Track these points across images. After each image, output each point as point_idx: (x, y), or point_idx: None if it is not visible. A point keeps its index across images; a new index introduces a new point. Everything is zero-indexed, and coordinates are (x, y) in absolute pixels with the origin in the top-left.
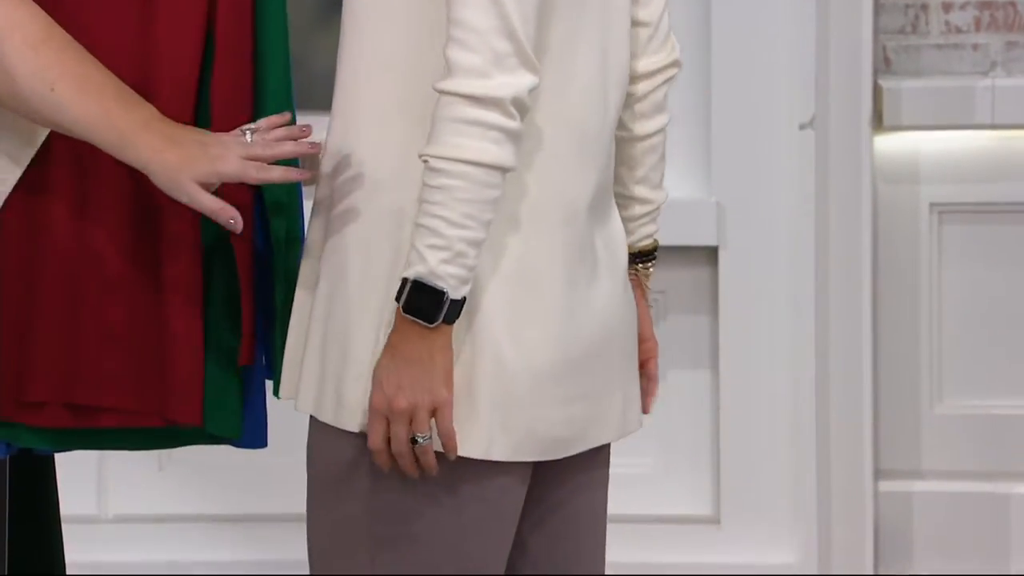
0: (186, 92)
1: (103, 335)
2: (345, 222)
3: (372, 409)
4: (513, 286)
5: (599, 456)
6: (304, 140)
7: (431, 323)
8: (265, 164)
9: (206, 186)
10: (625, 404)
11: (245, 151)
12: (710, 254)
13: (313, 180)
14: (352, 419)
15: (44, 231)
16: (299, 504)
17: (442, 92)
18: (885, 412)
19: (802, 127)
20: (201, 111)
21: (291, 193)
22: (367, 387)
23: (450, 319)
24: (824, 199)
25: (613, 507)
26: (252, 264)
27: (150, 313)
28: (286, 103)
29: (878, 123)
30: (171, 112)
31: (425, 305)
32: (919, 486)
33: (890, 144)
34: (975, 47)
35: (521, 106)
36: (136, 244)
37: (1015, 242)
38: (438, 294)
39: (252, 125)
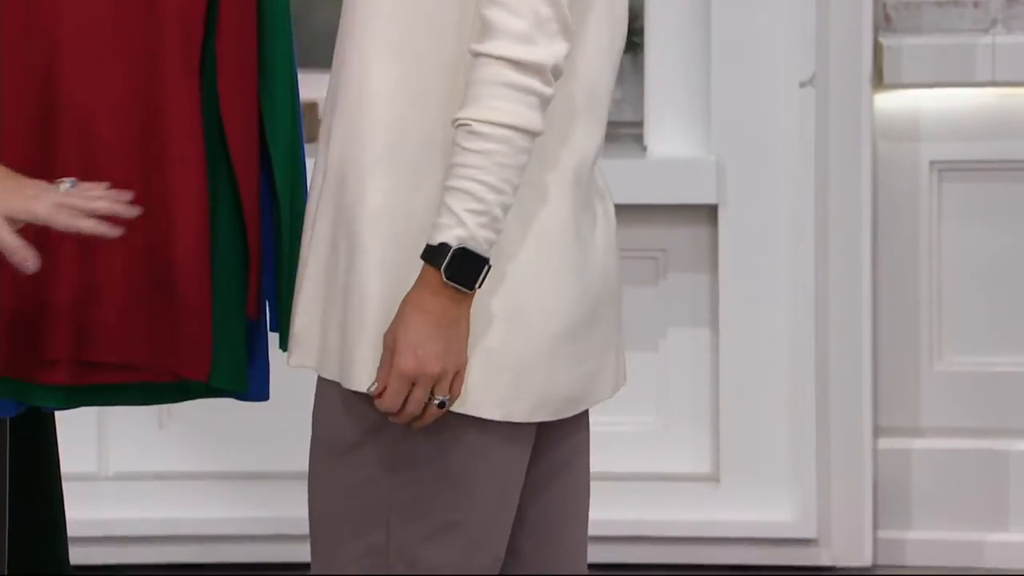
0: (192, 48)
1: (115, 292)
2: (358, 182)
3: (400, 373)
4: (533, 248)
5: (585, 417)
6: (120, 201)
7: (470, 289)
8: (77, 212)
9: (13, 222)
10: (618, 359)
11: (61, 199)
12: (710, 212)
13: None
14: (359, 380)
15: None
16: (299, 462)
17: (483, 55)
18: (884, 370)
19: (802, 85)
20: (207, 73)
21: (295, 145)
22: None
23: (481, 284)
24: (824, 157)
25: (613, 465)
26: (259, 217)
27: (160, 269)
28: (288, 61)
29: (878, 81)
30: (177, 69)
31: (467, 271)
32: (918, 443)
33: (890, 102)
34: (976, 4)
35: (558, 73)
36: (144, 200)
37: (1015, 200)
38: (480, 261)
39: (71, 180)
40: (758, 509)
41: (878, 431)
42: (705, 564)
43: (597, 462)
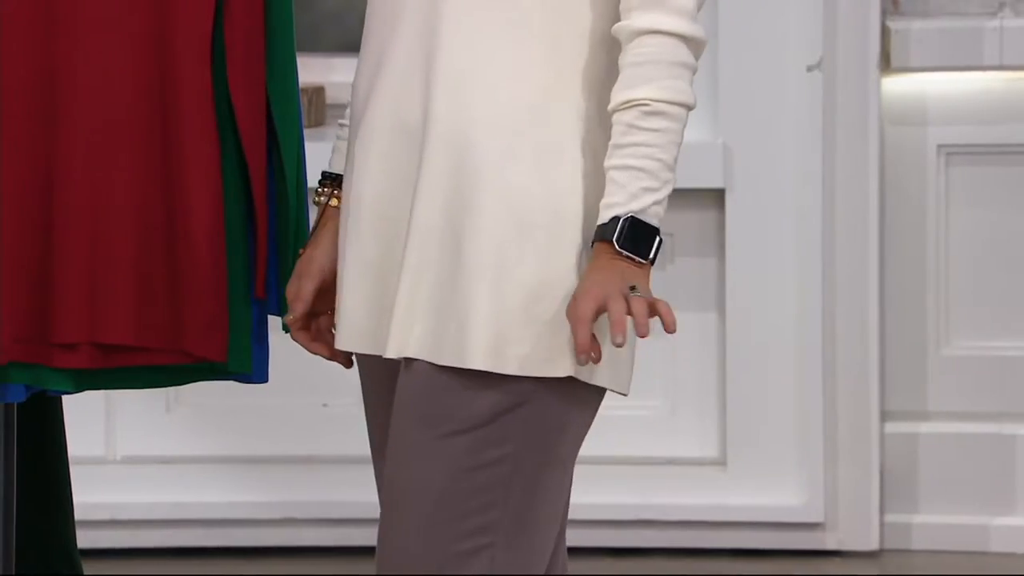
0: (202, 40)
1: (130, 274)
2: (503, 162)
3: (584, 314)
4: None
5: None
6: None
7: (644, 258)
8: None
9: None
10: None
11: None
12: (717, 196)
13: None
14: (532, 365)
15: (61, 177)
16: (306, 446)
17: (654, 31)
18: (891, 354)
19: (810, 69)
20: (217, 63)
21: (301, 130)
22: (546, 329)
23: (655, 258)
24: (831, 141)
25: (619, 449)
26: (267, 196)
27: (176, 251)
28: (291, 46)
29: (886, 64)
30: (191, 57)
31: (639, 241)
32: (925, 428)
33: (898, 86)
34: None
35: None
36: (159, 185)
37: (1022, 184)
38: (653, 231)
39: None
40: (765, 493)
41: (885, 415)
42: (712, 548)
43: (604, 446)
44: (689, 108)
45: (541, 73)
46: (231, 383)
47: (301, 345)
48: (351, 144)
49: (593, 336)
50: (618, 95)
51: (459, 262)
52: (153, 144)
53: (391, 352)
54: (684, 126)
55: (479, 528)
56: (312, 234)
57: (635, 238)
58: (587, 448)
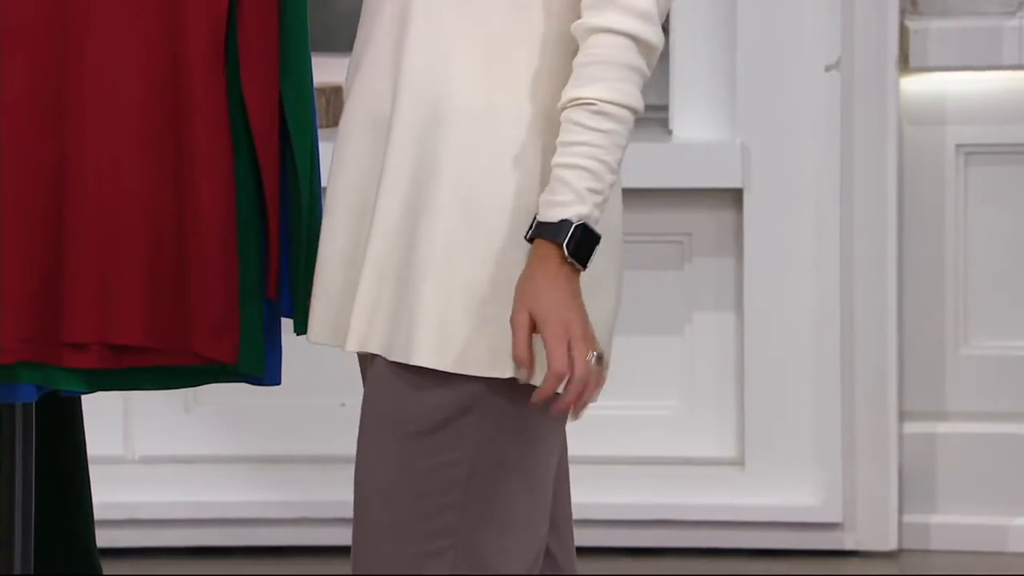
0: (215, 39)
1: (141, 275)
2: (460, 160)
3: (554, 335)
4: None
5: None
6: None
7: (584, 267)
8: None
9: None
10: None
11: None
12: (735, 196)
13: None
14: (477, 364)
15: (72, 176)
16: (324, 446)
17: (606, 30)
18: (910, 353)
19: (828, 68)
20: (230, 63)
21: (314, 130)
22: (493, 330)
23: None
24: (850, 141)
25: (637, 449)
26: (279, 197)
27: (187, 252)
28: (305, 46)
29: (904, 64)
30: (204, 57)
31: (584, 248)
32: (944, 428)
33: (916, 85)
34: None
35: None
36: (172, 186)
37: None
38: (595, 238)
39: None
40: (783, 493)
41: (903, 415)
42: (729, 548)
43: (621, 446)
44: (635, 112)
45: (500, 71)
46: (242, 383)
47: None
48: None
49: (531, 345)
50: (568, 92)
51: (412, 257)
52: (164, 143)
53: (350, 345)
54: (629, 130)
55: (439, 530)
56: None
57: (582, 245)
58: (604, 448)
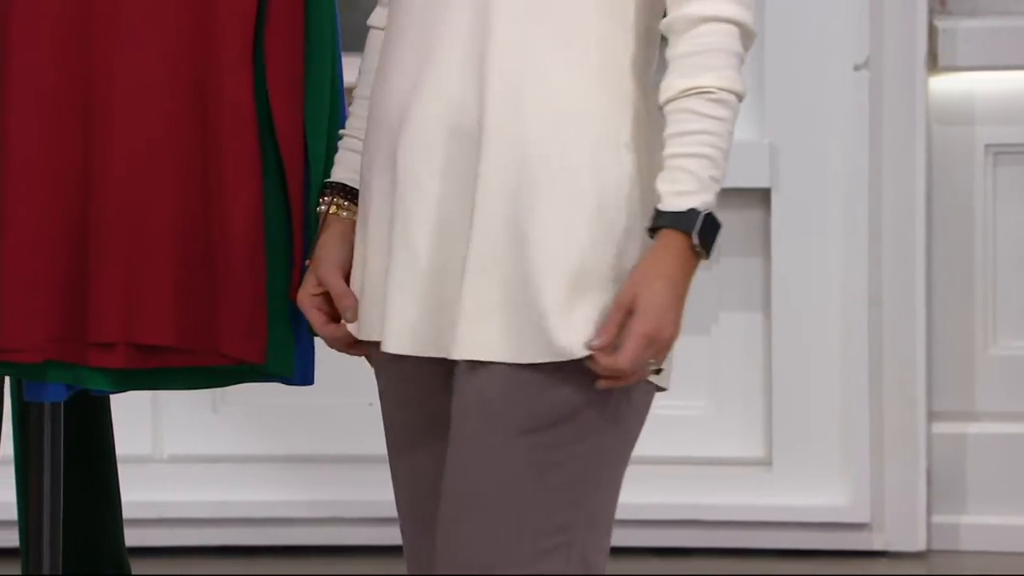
0: (244, 41)
1: (169, 275)
2: (564, 159)
3: (642, 334)
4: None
5: None
6: None
7: (709, 256)
8: None
9: None
10: None
11: None
12: (763, 196)
13: None
14: (578, 347)
15: (99, 177)
16: (352, 445)
17: (715, 19)
18: (939, 354)
19: (857, 68)
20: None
21: (324, 125)
22: (596, 308)
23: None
24: (878, 141)
25: (665, 449)
26: (304, 201)
27: (215, 252)
28: (333, 48)
29: (933, 64)
30: (233, 57)
31: (711, 237)
32: (973, 428)
33: (945, 85)
34: None
35: None
36: (199, 185)
37: None
38: (718, 226)
39: None
40: (811, 493)
41: (932, 415)
42: (757, 548)
43: (649, 446)
44: (741, 99)
45: (593, 71)
46: (273, 383)
47: (324, 335)
48: (380, 149)
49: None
50: (677, 83)
51: (527, 259)
52: (192, 144)
53: (459, 354)
54: (736, 116)
55: (558, 526)
56: (317, 242)
57: (708, 234)
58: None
